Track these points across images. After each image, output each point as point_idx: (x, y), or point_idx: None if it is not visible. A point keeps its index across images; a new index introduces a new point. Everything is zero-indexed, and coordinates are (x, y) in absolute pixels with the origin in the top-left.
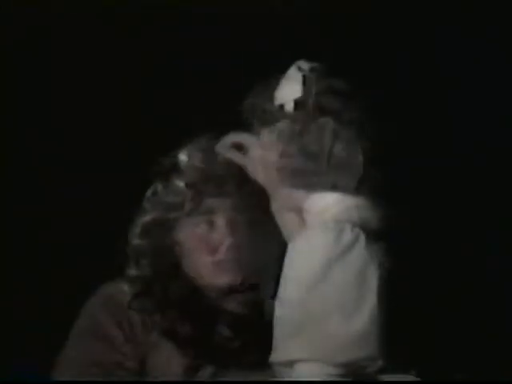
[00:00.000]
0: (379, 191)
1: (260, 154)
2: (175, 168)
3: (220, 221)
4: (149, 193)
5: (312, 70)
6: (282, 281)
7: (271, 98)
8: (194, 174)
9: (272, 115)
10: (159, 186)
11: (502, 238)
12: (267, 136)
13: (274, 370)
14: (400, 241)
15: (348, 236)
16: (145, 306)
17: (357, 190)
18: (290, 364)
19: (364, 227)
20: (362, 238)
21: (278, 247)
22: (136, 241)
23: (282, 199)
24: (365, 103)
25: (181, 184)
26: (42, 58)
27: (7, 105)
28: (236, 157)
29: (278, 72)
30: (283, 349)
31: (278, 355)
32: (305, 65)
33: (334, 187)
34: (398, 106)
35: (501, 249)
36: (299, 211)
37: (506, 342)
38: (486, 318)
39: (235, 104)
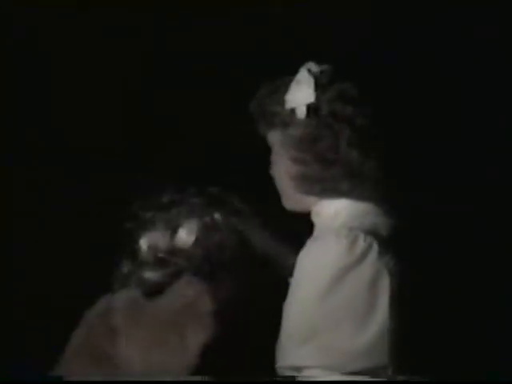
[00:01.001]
0: (390, 197)
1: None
2: (137, 257)
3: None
4: (124, 270)
5: (322, 72)
6: (293, 286)
7: (280, 101)
8: (156, 268)
9: (282, 118)
10: (124, 270)
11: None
12: (276, 139)
13: (278, 372)
14: (411, 249)
15: (361, 245)
16: None
17: (369, 197)
18: (298, 369)
19: (375, 234)
20: (375, 247)
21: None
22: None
23: (293, 203)
24: (374, 108)
25: (145, 278)
26: (42, 58)
27: (7, 105)
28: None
29: (279, 73)
30: (293, 355)
31: (287, 361)
32: (315, 67)
33: (347, 194)
34: (406, 112)
35: None
36: (308, 213)
37: None
38: (500, 325)
39: (235, 105)
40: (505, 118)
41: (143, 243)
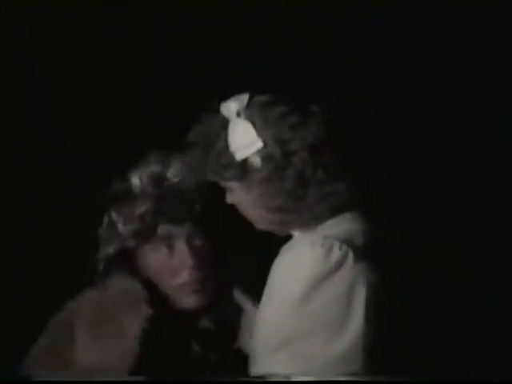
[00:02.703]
0: (364, 206)
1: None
2: (128, 193)
3: (180, 245)
4: (105, 222)
5: (248, 107)
6: (267, 294)
7: (225, 154)
8: (146, 200)
9: (235, 171)
10: (113, 214)
11: (491, 252)
12: (236, 187)
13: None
14: (387, 257)
15: (337, 254)
16: None
17: (344, 207)
18: (272, 377)
19: (351, 242)
20: (351, 255)
21: (245, 261)
22: (102, 275)
23: (267, 229)
24: (373, 109)
25: (134, 212)
26: (42, 58)
27: (7, 105)
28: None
29: (279, 73)
30: (267, 362)
31: (260, 369)
32: (237, 105)
33: (327, 215)
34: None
35: (490, 264)
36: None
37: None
38: (477, 333)
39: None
40: (505, 118)
41: (134, 179)
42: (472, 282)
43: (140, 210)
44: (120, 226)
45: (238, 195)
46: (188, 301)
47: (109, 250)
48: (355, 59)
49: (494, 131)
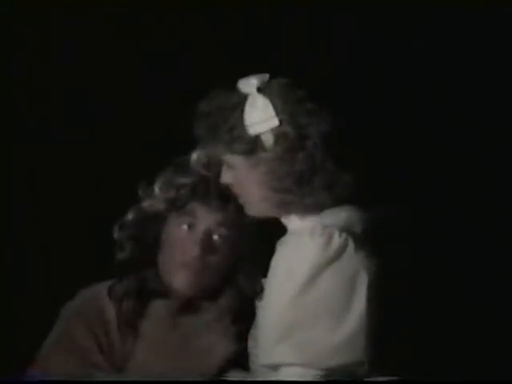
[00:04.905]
0: (362, 195)
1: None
2: (186, 165)
3: (199, 228)
4: (159, 183)
5: (269, 85)
6: (270, 285)
7: (239, 126)
8: (192, 176)
9: (246, 145)
10: (159, 179)
11: (485, 241)
12: (241, 163)
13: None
14: (387, 245)
15: (337, 241)
16: (120, 293)
17: (345, 199)
18: (275, 367)
19: (350, 230)
20: (351, 243)
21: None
22: (126, 225)
23: (261, 213)
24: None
25: (175, 182)
26: (42, 57)
27: (7, 105)
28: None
29: (279, 72)
30: (271, 352)
31: (265, 359)
32: (258, 82)
33: (328, 204)
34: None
35: (487, 252)
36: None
37: (491, 352)
38: (475, 323)
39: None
40: (505, 118)
41: (194, 155)
42: (471, 266)
43: (181, 181)
44: (156, 190)
45: (241, 172)
46: (178, 280)
47: (143, 204)
48: (355, 59)
49: (490, 120)
